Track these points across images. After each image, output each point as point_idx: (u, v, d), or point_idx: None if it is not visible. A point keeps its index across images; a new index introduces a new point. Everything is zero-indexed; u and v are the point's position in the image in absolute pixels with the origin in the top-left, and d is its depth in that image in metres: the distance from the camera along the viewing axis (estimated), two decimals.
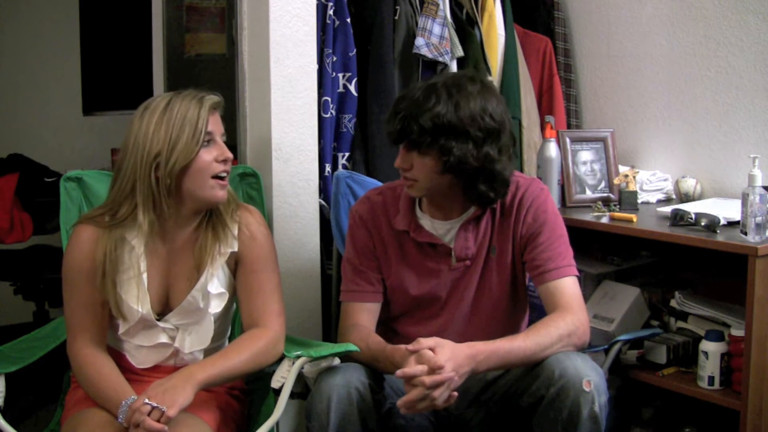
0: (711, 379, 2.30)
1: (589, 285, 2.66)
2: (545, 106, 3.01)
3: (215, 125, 1.95)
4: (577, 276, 2.04)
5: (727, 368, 2.29)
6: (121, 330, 1.97)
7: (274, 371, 1.98)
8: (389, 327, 2.15)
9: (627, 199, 2.65)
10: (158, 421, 1.76)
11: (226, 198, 1.98)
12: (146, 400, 1.78)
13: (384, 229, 2.12)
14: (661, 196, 2.78)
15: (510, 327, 2.13)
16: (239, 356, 1.94)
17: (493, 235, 2.08)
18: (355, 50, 2.66)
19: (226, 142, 1.99)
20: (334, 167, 2.64)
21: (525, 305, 2.20)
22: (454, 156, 1.92)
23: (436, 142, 1.92)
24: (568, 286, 2.00)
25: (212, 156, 1.93)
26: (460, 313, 2.08)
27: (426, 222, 2.10)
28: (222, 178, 1.95)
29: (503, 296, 2.11)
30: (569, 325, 1.93)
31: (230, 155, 1.97)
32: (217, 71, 3.49)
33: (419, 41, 2.65)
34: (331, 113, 2.64)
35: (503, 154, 1.97)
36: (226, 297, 2.03)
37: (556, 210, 2.11)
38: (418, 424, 2.03)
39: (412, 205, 2.12)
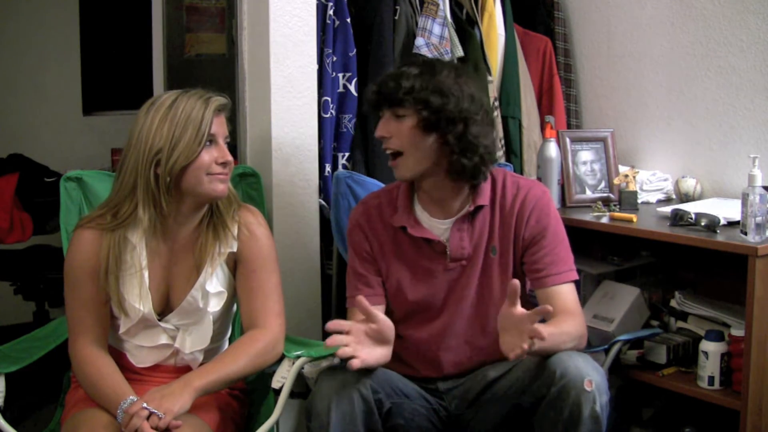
0: (711, 379, 2.30)
1: (589, 285, 2.66)
2: (545, 106, 3.01)
3: (219, 127, 1.94)
4: (576, 280, 2.06)
5: (727, 368, 2.29)
6: (122, 329, 1.97)
7: (274, 371, 1.99)
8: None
9: (627, 199, 2.65)
10: (156, 426, 1.76)
11: (226, 192, 1.96)
12: (144, 405, 1.78)
13: (380, 230, 2.13)
14: (661, 196, 2.78)
15: None
16: (237, 361, 1.94)
17: (492, 235, 2.08)
18: (355, 50, 2.65)
19: (227, 143, 1.98)
20: (334, 167, 2.64)
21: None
22: (432, 107, 1.94)
23: (410, 94, 1.95)
24: (569, 292, 2.03)
25: (212, 157, 1.92)
26: (461, 314, 2.08)
27: (424, 220, 2.10)
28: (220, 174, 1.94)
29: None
30: (580, 329, 1.98)
31: (230, 158, 1.95)
32: (217, 71, 3.48)
33: (419, 41, 2.65)
34: (331, 113, 2.64)
35: (480, 116, 2.00)
36: (225, 296, 2.03)
37: (557, 214, 2.12)
38: (418, 425, 2.02)
39: (410, 203, 2.12)
